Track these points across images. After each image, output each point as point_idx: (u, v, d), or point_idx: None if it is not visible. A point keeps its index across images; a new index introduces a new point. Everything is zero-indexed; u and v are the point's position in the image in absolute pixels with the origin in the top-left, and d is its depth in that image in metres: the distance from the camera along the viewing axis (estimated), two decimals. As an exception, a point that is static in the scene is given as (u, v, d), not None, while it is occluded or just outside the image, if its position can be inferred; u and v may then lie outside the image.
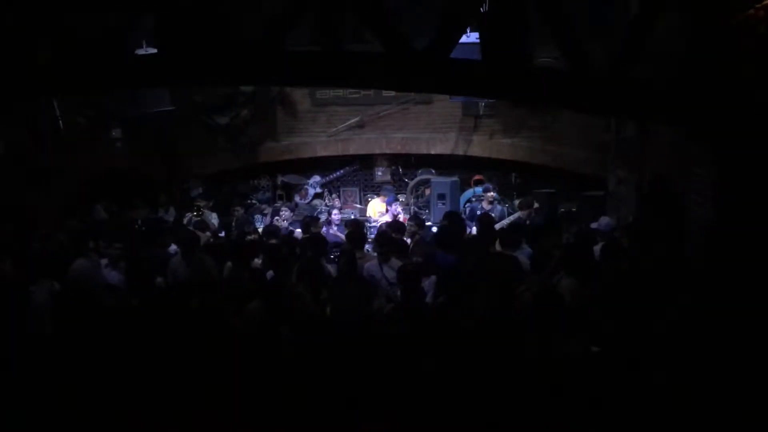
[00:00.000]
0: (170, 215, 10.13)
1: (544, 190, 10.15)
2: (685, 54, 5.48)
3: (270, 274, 6.13)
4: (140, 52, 6.91)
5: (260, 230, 9.18)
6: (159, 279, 6.31)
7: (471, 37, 6.87)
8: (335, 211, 10.19)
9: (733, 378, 3.76)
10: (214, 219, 9.75)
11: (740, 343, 3.99)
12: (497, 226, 8.43)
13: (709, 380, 3.81)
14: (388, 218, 9.71)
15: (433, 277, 5.84)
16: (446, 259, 6.25)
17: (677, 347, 4.15)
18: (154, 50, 5.81)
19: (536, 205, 9.24)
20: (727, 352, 3.92)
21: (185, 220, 9.38)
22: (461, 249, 6.53)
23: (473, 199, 10.47)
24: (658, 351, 4.21)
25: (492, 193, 9.81)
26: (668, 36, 5.68)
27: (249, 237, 8.17)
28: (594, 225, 7.89)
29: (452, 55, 5.36)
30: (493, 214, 9.34)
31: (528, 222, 8.46)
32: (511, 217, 8.95)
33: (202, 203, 9.91)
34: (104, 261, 6.53)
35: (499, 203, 9.85)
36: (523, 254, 6.35)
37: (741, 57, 4.92)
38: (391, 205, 10.22)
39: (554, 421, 3.86)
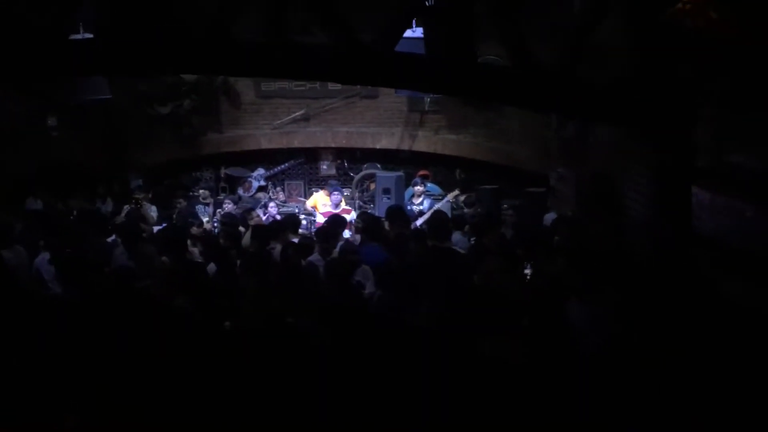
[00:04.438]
0: (108, 207, 9.87)
1: (487, 186, 10.28)
2: (626, 53, 5.61)
3: (211, 267, 6.03)
4: (76, 37, 6.66)
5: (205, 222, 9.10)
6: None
7: (417, 31, 6.89)
8: (272, 204, 10.10)
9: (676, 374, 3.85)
10: (153, 211, 9.53)
11: (682, 336, 4.10)
12: (420, 220, 8.58)
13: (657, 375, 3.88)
14: (332, 210, 9.67)
15: (365, 267, 5.86)
16: (373, 252, 6.25)
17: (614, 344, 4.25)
18: (91, 35, 5.63)
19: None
20: (668, 348, 4.01)
21: (123, 213, 9.14)
22: (395, 245, 6.55)
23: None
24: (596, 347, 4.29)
25: (419, 187, 9.92)
26: (612, 35, 5.79)
27: (195, 229, 8.02)
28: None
29: (398, 49, 5.37)
30: (422, 208, 9.47)
31: (472, 217, 8.58)
32: (434, 208, 9.26)
33: (140, 195, 9.66)
34: (46, 255, 6.29)
35: (429, 197, 9.94)
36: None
37: (674, 55, 5.03)
38: (333, 196, 10.01)
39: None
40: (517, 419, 3.67)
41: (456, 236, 6.74)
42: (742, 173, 4.56)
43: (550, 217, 8.12)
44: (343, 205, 10.05)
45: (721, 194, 4.70)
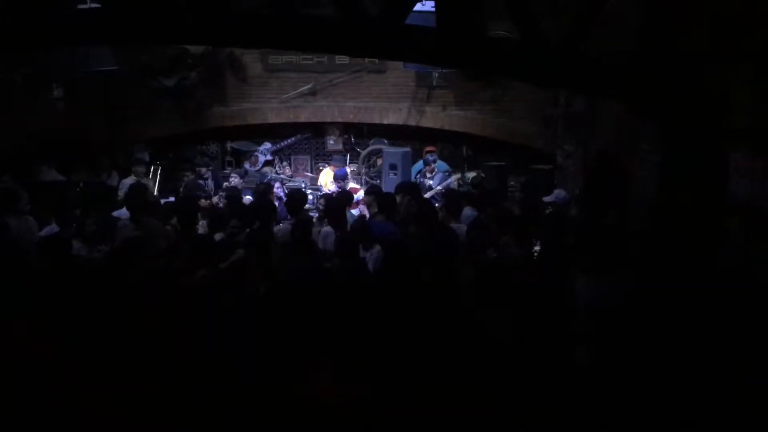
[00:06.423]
0: (113, 180, 9.87)
1: (493, 163, 10.25)
2: (637, 29, 5.54)
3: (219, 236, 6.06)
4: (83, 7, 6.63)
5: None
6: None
7: (426, 5, 6.83)
8: (277, 184, 10.08)
9: (672, 349, 3.84)
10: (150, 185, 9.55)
11: (680, 314, 4.09)
12: (428, 194, 8.57)
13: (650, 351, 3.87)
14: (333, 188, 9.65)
15: (378, 248, 5.83)
16: (384, 229, 6.23)
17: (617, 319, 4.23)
18: (98, 5, 5.59)
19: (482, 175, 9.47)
20: (668, 326, 3.99)
21: (125, 186, 9.13)
22: (402, 220, 6.53)
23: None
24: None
25: (432, 165, 9.96)
26: (622, 11, 5.72)
27: (203, 201, 8.04)
28: (548, 198, 7.99)
29: (407, 22, 5.31)
30: (432, 183, 9.46)
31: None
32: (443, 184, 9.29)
33: (140, 168, 9.62)
34: (54, 227, 6.30)
35: (440, 173, 9.94)
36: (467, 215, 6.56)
37: (690, 32, 4.96)
38: (341, 181, 9.92)
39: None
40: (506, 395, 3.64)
41: (467, 211, 6.71)
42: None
43: (557, 194, 8.09)
44: (350, 182, 9.99)
45: (760, 158, 4.60)
